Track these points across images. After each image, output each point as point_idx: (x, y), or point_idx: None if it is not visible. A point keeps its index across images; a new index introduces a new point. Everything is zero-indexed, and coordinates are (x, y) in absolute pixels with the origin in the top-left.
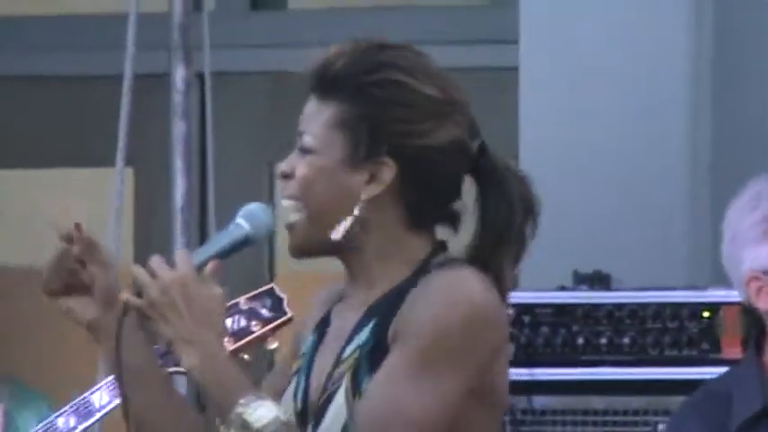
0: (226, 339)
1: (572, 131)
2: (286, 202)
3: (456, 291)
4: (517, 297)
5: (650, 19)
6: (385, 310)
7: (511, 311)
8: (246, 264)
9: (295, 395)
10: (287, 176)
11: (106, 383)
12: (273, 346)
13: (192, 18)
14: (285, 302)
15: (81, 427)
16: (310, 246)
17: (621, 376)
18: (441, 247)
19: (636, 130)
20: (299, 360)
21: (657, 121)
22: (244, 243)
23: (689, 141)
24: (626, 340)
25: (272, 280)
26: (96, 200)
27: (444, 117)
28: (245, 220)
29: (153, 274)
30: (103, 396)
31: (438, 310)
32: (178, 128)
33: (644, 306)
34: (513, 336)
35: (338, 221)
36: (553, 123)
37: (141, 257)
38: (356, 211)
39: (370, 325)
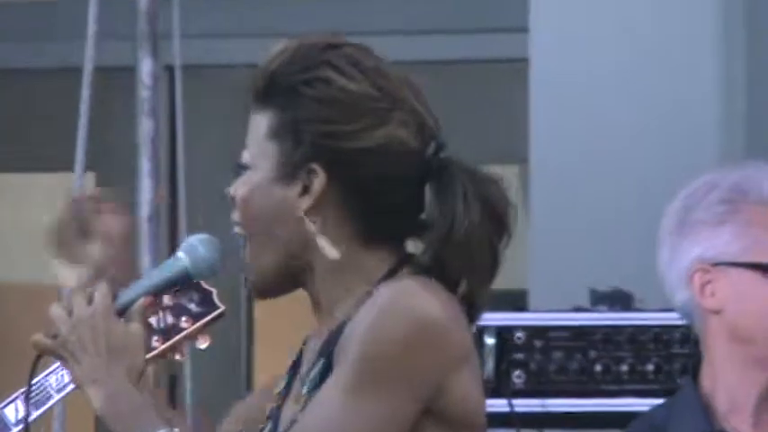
0: (154, 338)
1: (588, 130)
2: (237, 232)
3: (396, 304)
4: (528, 319)
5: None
6: (333, 343)
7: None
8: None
9: None
10: (233, 201)
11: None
12: (204, 345)
13: (161, 4)
14: (215, 295)
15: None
16: (268, 280)
17: (645, 408)
18: (404, 261)
19: (660, 129)
20: (274, 400)
21: (685, 120)
22: (183, 279)
23: (719, 141)
24: (650, 367)
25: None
26: (52, 209)
27: (381, 116)
28: (186, 253)
29: (69, 312)
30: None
31: (374, 326)
32: (145, 127)
33: (669, 329)
34: (523, 362)
35: (283, 243)
36: (567, 121)
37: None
38: (296, 229)
39: (320, 364)
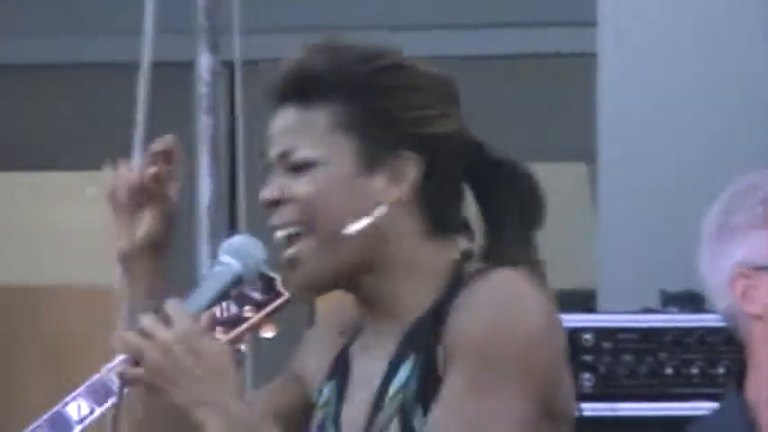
0: (218, 329)
1: (658, 127)
2: (282, 233)
3: (509, 297)
4: (597, 320)
5: None
6: (424, 341)
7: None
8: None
9: None
10: (277, 203)
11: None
12: (270, 334)
13: None
14: (278, 282)
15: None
16: (325, 278)
17: None
18: (468, 255)
19: (734, 127)
20: (319, 410)
21: (760, 118)
22: (236, 284)
23: None
24: (721, 370)
25: None
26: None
27: (454, 100)
28: (232, 257)
29: (148, 336)
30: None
31: (494, 321)
32: (203, 123)
33: None
34: (591, 365)
35: (354, 240)
36: (637, 118)
37: None
38: (379, 220)
39: (409, 362)
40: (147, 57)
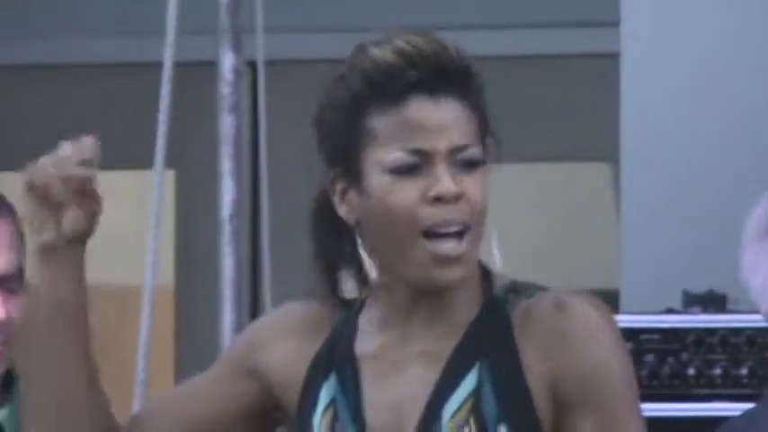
0: None
1: (682, 128)
2: (454, 228)
3: (610, 324)
4: (620, 320)
5: None
6: (487, 348)
7: None
8: (306, 272)
9: None
10: (459, 198)
11: None
12: None
13: None
14: None
15: None
16: (467, 279)
17: (739, 413)
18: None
19: (758, 127)
20: (323, 412)
21: None
22: None
23: None
24: (744, 371)
25: None
26: (131, 207)
27: None
28: None
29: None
30: None
31: (610, 349)
32: (226, 124)
33: (764, 331)
34: None
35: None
36: (660, 118)
37: (183, 273)
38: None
39: (475, 369)
40: (169, 57)
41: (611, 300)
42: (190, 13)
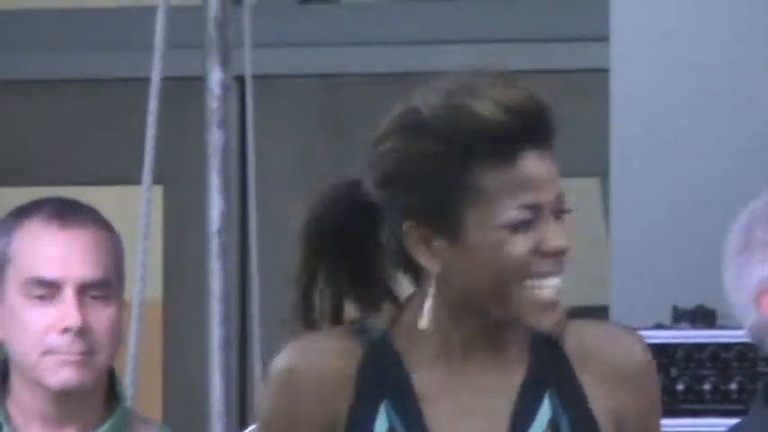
0: None
1: (671, 143)
2: (556, 281)
3: (652, 360)
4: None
5: (753, 8)
6: (552, 378)
7: None
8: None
9: None
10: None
11: None
12: None
13: (231, 12)
14: None
15: None
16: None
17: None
18: None
19: (747, 143)
20: None
21: None
22: None
23: None
24: (733, 386)
25: None
26: (119, 222)
27: None
28: None
29: None
30: None
31: (657, 384)
32: (214, 138)
33: (754, 347)
34: None
35: None
36: (649, 134)
37: (171, 287)
38: None
39: (546, 398)
40: (157, 71)
41: (600, 315)
42: (177, 28)
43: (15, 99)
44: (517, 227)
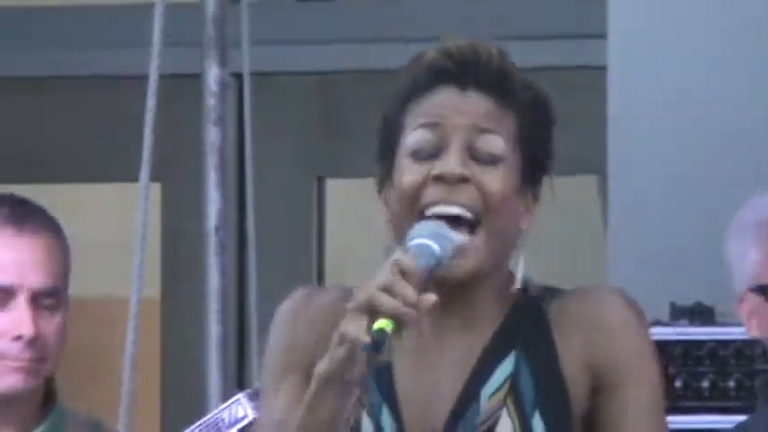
0: None
1: (670, 140)
2: (459, 212)
3: (642, 317)
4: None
5: (752, 6)
6: (525, 339)
7: None
8: (292, 285)
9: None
10: (463, 181)
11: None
12: None
13: (229, 10)
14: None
15: None
16: (480, 272)
17: (727, 425)
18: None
19: (744, 138)
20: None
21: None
22: (437, 265)
23: None
24: (731, 383)
25: None
26: (117, 220)
27: None
28: (433, 240)
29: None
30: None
31: (645, 340)
32: (212, 135)
33: (751, 344)
34: None
35: (507, 252)
36: (647, 131)
37: (169, 284)
38: (512, 238)
39: (511, 356)
40: (155, 69)
41: None
42: (175, 26)
43: (11, 97)
44: (420, 155)
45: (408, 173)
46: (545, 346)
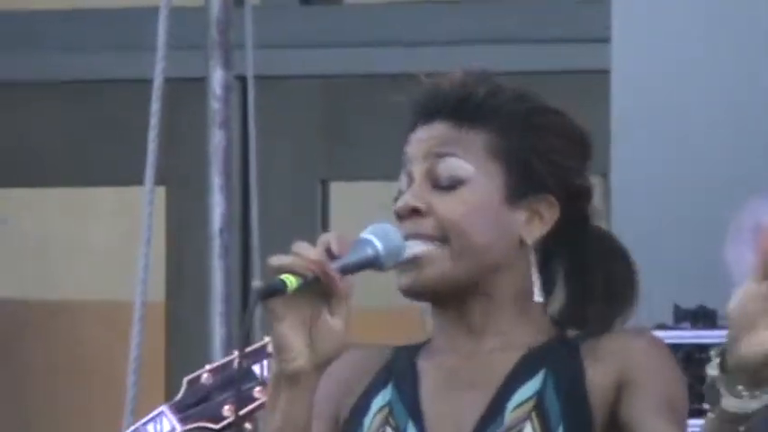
0: (257, 390)
1: (672, 143)
2: (417, 245)
3: (673, 359)
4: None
5: (755, 9)
6: (554, 362)
7: None
8: None
9: None
10: (417, 213)
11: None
12: None
13: (233, 13)
14: None
15: None
16: (439, 287)
17: None
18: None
19: (750, 142)
20: (375, 415)
21: None
22: (368, 265)
23: None
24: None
25: None
26: (122, 223)
27: (590, 157)
28: (377, 238)
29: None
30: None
31: (670, 367)
32: (216, 139)
33: None
34: None
35: (491, 267)
36: (650, 134)
37: (174, 288)
38: (506, 253)
39: (540, 375)
40: (159, 72)
41: None
42: (179, 29)
43: (17, 100)
44: (399, 194)
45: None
46: (573, 369)
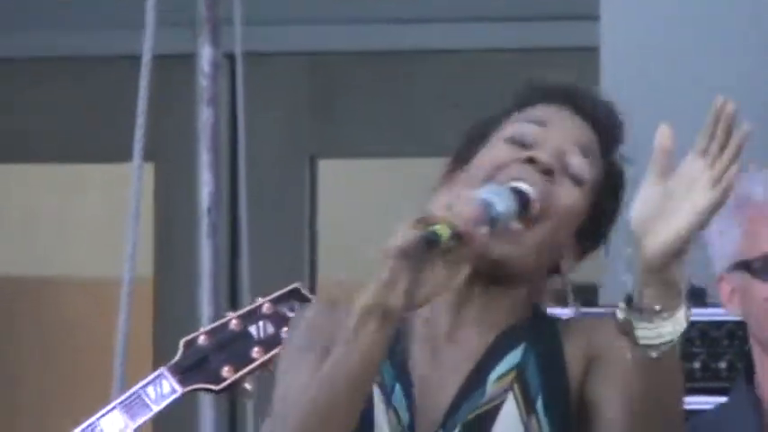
0: (255, 350)
1: (662, 121)
2: (527, 187)
3: None
4: (598, 314)
5: None
6: (535, 336)
7: None
8: (284, 265)
9: (393, 410)
10: (548, 173)
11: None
12: None
13: None
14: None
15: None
16: (512, 265)
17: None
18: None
19: (739, 116)
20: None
21: (762, 112)
22: (494, 220)
23: None
24: (723, 365)
25: (312, 286)
26: (110, 200)
27: None
28: (497, 197)
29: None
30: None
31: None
32: (204, 116)
33: (744, 325)
34: None
35: (538, 269)
36: (639, 112)
37: (162, 265)
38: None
39: (520, 348)
40: (148, 49)
41: (590, 294)
42: (168, 6)
43: (5, 77)
44: (514, 139)
45: (498, 150)
46: (552, 343)
